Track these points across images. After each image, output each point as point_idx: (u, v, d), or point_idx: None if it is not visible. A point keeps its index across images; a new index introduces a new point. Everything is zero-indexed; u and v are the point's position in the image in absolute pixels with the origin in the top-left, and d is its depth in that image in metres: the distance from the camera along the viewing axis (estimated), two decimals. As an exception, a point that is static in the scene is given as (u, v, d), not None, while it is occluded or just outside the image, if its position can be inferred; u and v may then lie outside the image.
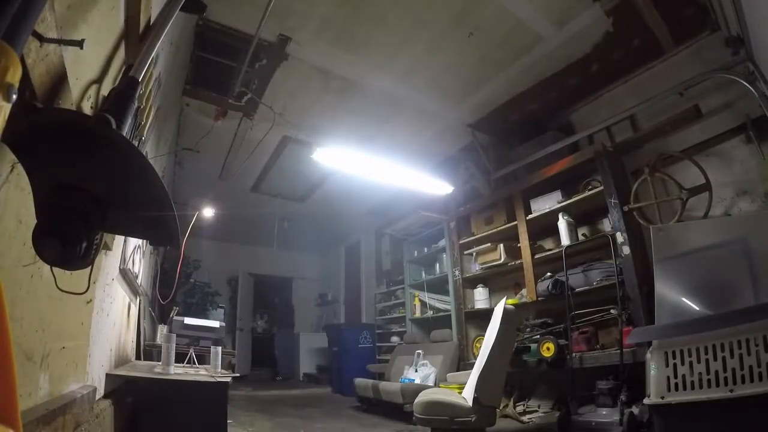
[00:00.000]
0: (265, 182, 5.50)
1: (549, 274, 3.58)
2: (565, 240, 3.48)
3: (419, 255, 5.66)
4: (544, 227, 3.81)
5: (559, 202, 3.59)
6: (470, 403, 2.43)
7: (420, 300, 5.44)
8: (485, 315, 3.72)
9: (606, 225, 3.39)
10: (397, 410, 3.69)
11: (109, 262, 2.02)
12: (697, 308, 2.11)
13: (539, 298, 3.59)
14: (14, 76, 0.56)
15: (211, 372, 2.68)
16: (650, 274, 2.49)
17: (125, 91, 1.00)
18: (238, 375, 5.03)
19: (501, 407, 3.34)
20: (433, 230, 5.41)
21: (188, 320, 4.14)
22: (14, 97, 0.56)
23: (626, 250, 2.99)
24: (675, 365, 1.87)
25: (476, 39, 3.10)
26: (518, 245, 3.87)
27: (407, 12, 2.86)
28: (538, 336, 3.33)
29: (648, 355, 2.00)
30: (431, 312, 5.15)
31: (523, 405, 3.48)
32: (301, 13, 2.84)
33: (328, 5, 2.79)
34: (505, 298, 2.93)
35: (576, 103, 3.88)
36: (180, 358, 2.96)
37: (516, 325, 3.05)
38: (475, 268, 4.38)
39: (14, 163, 0.83)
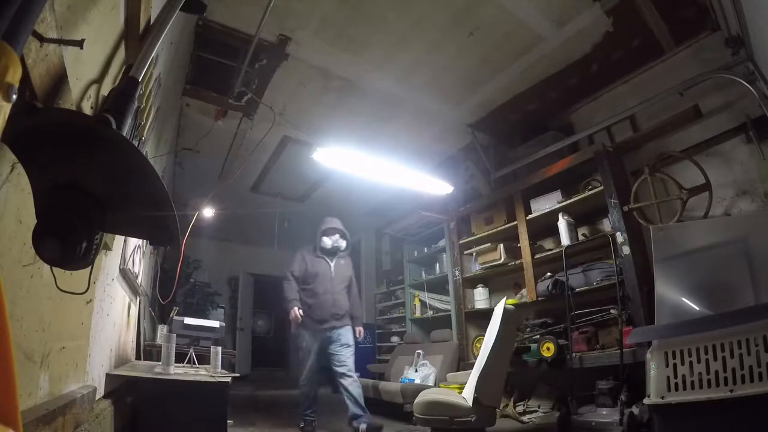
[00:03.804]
0: (265, 182, 5.50)
1: (549, 274, 3.58)
2: (565, 240, 3.48)
3: (419, 255, 5.66)
4: (544, 227, 3.81)
5: (559, 202, 3.59)
6: (470, 403, 2.43)
7: (420, 300, 5.44)
8: (485, 315, 3.72)
9: (606, 225, 3.39)
10: (397, 410, 3.69)
11: (109, 262, 2.02)
12: (697, 308, 2.11)
13: (539, 298, 3.59)
14: (14, 76, 0.56)
15: (211, 372, 2.68)
16: (650, 274, 2.49)
17: (125, 91, 1.00)
18: (238, 375, 5.03)
19: (501, 407, 3.34)
20: (433, 230, 5.41)
21: (188, 320, 4.13)
22: (14, 97, 0.56)
23: (626, 250, 2.99)
24: (675, 365, 1.87)
25: (476, 39, 3.10)
26: (518, 245, 3.87)
27: (407, 12, 2.86)
28: (538, 336, 3.33)
29: (648, 355, 2.00)
30: (431, 312, 5.15)
31: (523, 405, 3.48)
32: (301, 13, 2.84)
33: (328, 5, 2.79)
34: (505, 298, 2.93)
35: (576, 103, 3.88)
36: (180, 358, 2.96)
37: (516, 325, 3.05)
38: (475, 268, 4.37)
39: (14, 163, 0.83)
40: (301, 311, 3.36)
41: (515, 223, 3.92)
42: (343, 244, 3.66)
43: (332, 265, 3.57)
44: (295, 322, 3.37)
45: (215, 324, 4.34)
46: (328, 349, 3.39)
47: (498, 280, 4.36)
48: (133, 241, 2.64)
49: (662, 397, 1.86)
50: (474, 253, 4.36)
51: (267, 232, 6.51)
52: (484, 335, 2.99)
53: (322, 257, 3.57)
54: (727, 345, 1.75)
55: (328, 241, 3.59)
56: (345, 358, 3.37)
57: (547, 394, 3.43)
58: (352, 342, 3.47)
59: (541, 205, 3.75)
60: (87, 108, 1.22)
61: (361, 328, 3.70)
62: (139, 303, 3.51)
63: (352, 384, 3.26)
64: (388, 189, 4.68)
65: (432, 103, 3.93)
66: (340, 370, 3.33)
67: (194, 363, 3.15)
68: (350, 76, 3.52)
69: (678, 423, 1.82)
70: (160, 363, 2.57)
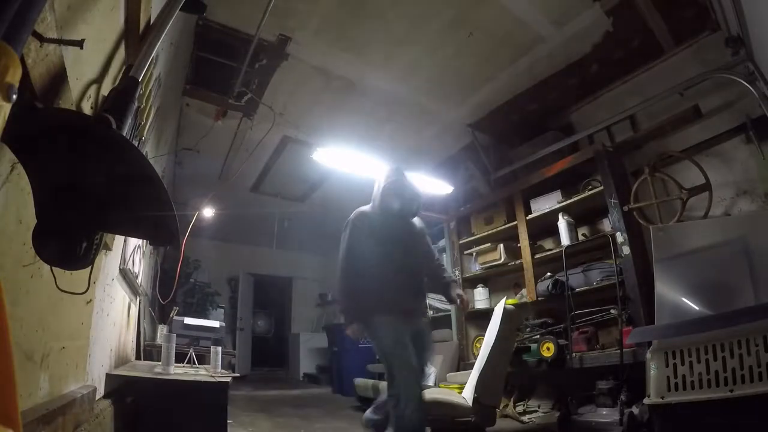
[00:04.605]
0: (265, 182, 5.50)
1: (549, 274, 3.58)
2: (565, 240, 3.48)
3: (419, 255, 5.65)
4: (544, 227, 3.81)
5: (559, 202, 3.59)
6: (470, 403, 2.42)
7: (420, 300, 5.43)
8: (485, 315, 3.71)
9: (606, 225, 3.39)
10: (397, 410, 3.68)
11: (109, 262, 2.02)
12: (697, 308, 2.11)
13: (539, 298, 3.59)
14: (14, 76, 0.56)
15: (211, 372, 2.68)
16: (650, 274, 2.49)
17: (125, 91, 1.00)
18: (238, 375, 5.03)
19: (501, 407, 3.34)
20: (432, 230, 5.39)
21: (188, 320, 4.14)
22: (14, 97, 0.56)
23: (626, 250, 2.99)
24: (675, 365, 1.87)
25: (476, 39, 3.10)
26: (518, 245, 3.87)
27: (407, 12, 2.86)
28: (538, 336, 3.33)
29: (648, 355, 2.00)
30: (431, 312, 5.15)
31: (523, 405, 3.48)
32: (301, 13, 2.84)
33: (328, 5, 2.79)
34: (505, 298, 2.92)
35: (576, 103, 3.88)
36: (180, 358, 2.96)
37: (516, 325, 3.05)
38: (475, 268, 4.37)
39: (14, 163, 0.83)
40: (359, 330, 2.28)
41: (515, 223, 3.92)
42: (414, 206, 2.50)
43: (403, 233, 2.44)
44: (355, 337, 2.34)
45: (215, 324, 4.35)
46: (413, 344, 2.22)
47: (498, 280, 4.36)
48: (133, 241, 2.64)
49: (662, 397, 1.86)
50: (474, 253, 4.36)
51: (267, 232, 6.51)
52: (484, 335, 2.99)
53: (388, 225, 2.40)
54: (727, 345, 1.74)
55: (394, 202, 2.41)
56: (428, 355, 2.37)
57: (547, 394, 3.43)
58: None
59: (541, 205, 3.75)
60: (87, 108, 1.22)
61: (460, 293, 2.45)
62: (139, 303, 3.51)
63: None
64: (388, 189, 4.67)
65: (432, 103, 3.93)
66: (421, 372, 2.29)
67: (194, 363, 3.15)
68: (350, 76, 3.52)
69: (678, 423, 1.82)
70: (160, 363, 2.57)
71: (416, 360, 2.19)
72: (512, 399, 3.56)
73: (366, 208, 2.51)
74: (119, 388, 2.19)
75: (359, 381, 4.55)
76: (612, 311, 2.98)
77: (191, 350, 3.22)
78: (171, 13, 1.27)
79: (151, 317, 4.37)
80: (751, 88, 2.53)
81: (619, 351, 2.77)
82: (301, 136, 4.27)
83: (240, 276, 7.91)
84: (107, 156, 0.84)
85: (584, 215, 3.62)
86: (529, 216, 3.80)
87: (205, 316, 5.77)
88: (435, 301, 5.18)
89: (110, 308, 2.17)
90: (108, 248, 1.83)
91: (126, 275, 2.50)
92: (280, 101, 3.73)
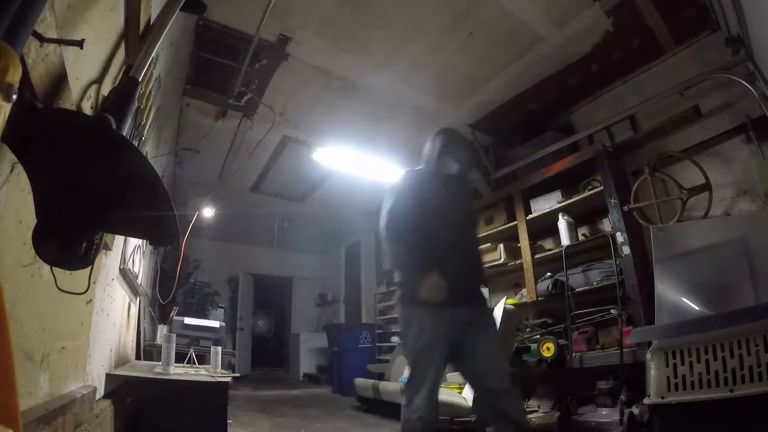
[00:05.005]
0: (265, 182, 5.50)
1: (549, 274, 3.58)
2: (565, 240, 3.48)
3: (419, 255, 5.64)
4: (544, 227, 3.80)
5: (559, 202, 3.59)
6: (470, 403, 2.43)
7: (420, 300, 5.42)
8: (485, 315, 3.71)
9: (606, 225, 3.39)
10: (397, 410, 3.67)
11: (109, 262, 2.02)
12: (697, 308, 2.11)
13: (539, 298, 3.58)
14: (14, 76, 0.56)
15: (211, 372, 2.68)
16: (650, 274, 2.49)
17: (125, 91, 1.00)
18: (238, 375, 5.03)
19: (501, 407, 3.34)
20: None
21: (188, 320, 4.14)
22: (14, 97, 0.56)
23: (626, 250, 2.99)
24: (675, 365, 1.87)
25: (476, 39, 3.10)
26: (518, 245, 3.87)
27: (407, 12, 2.86)
28: (538, 336, 3.33)
29: (648, 355, 2.00)
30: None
31: (523, 405, 3.48)
32: (302, 13, 2.85)
33: (328, 5, 2.79)
34: (505, 298, 2.93)
35: (576, 103, 3.88)
36: (180, 358, 2.96)
37: (516, 325, 3.05)
38: (475, 268, 4.37)
39: (14, 163, 0.83)
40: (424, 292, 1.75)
41: (515, 223, 3.92)
42: (472, 171, 2.14)
43: (462, 201, 2.06)
44: (433, 297, 1.73)
45: (215, 324, 4.35)
46: (462, 345, 1.82)
47: (498, 280, 4.35)
48: (133, 241, 2.64)
49: (662, 397, 1.86)
50: (474, 253, 4.35)
51: (267, 232, 6.52)
52: (484, 335, 2.98)
53: (445, 188, 1.99)
54: (727, 345, 1.75)
55: (454, 163, 2.03)
56: (493, 361, 1.86)
57: (547, 394, 3.42)
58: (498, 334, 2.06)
59: (541, 205, 3.75)
60: (87, 108, 1.22)
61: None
62: (139, 303, 3.51)
63: (514, 403, 1.84)
64: (388, 189, 4.67)
65: (432, 102, 3.93)
66: (492, 383, 1.80)
67: (194, 363, 3.15)
68: (350, 75, 3.52)
69: (678, 423, 1.82)
70: (160, 363, 2.57)
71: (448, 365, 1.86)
72: (512, 399, 3.56)
73: (416, 169, 2.12)
74: (119, 388, 2.19)
75: (359, 381, 4.55)
76: (612, 311, 2.98)
77: (191, 350, 3.22)
78: (171, 13, 1.27)
79: (151, 317, 4.37)
80: (751, 88, 2.53)
81: (619, 351, 2.76)
82: (301, 136, 4.27)
83: (240, 276, 7.92)
84: (107, 156, 0.84)
85: (584, 215, 3.62)
86: (529, 216, 3.80)
87: (205, 316, 5.77)
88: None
89: (110, 308, 2.17)
90: (108, 248, 1.83)
91: (126, 275, 2.51)
92: (280, 101, 3.73)
